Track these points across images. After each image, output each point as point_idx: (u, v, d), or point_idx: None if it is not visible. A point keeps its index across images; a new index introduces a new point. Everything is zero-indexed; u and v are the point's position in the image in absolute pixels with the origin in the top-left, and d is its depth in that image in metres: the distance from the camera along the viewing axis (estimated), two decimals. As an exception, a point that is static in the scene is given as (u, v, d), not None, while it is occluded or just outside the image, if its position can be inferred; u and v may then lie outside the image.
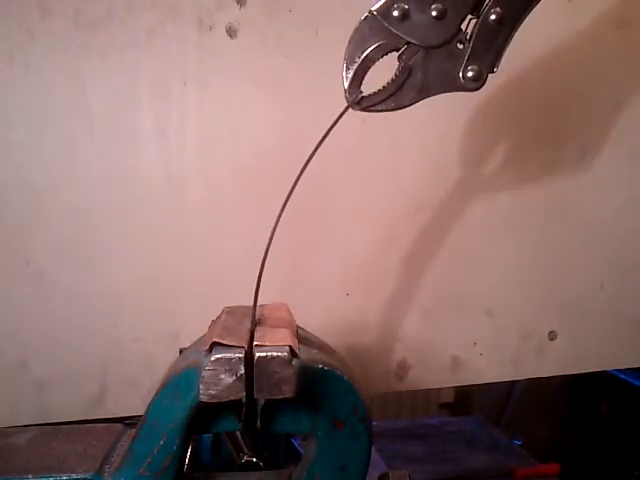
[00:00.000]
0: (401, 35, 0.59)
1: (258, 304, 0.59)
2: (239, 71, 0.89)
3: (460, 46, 0.60)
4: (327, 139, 0.90)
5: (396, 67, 0.60)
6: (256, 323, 0.58)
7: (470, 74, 0.60)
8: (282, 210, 0.58)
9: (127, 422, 0.68)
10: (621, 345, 1.06)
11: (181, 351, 0.67)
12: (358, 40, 0.59)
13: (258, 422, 0.56)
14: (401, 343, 0.98)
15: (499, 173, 0.98)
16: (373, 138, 0.93)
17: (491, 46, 0.60)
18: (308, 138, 0.91)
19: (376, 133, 0.93)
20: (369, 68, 0.59)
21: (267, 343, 0.52)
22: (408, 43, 0.59)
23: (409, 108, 0.81)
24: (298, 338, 0.57)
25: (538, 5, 0.61)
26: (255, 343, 0.52)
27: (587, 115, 0.99)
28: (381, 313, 0.97)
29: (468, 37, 0.60)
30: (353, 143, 0.93)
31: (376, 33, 0.59)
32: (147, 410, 0.56)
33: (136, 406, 0.89)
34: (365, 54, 0.59)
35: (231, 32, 0.88)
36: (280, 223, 0.58)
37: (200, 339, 0.60)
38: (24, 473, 0.57)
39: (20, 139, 0.85)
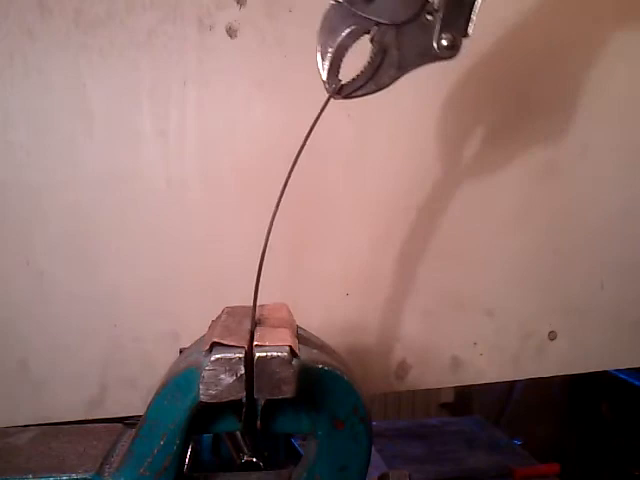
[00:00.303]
0: (369, 17, 0.59)
1: (258, 304, 0.59)
2: (239, 71, 0.89)
3: (430, 17, 0.60)
4: (327, 139, 0.90)
5: (370, 50, 0.60)
6: (256, 323, 0.58)
7: (444, 43, 0.60)
8: (277, 207, 0.58)
9: (127, 422, 0.68)
10: (621, 345, 1.06)
11: (181, 351, 0.67)
12: (328, 30, 0.59)
13: (258, 422, 0.56)
14: (401, 343, 0.98)
15: (499, 174, 0.98)
16: (372, 138, 0.93)
17: (460, 12, 0.60)
18: (310, 138, 0.91)
19: (375, 133, 0.93)
20: (344, 56, 0.59)
21: (267, 343, 0.52)
22: (378, 24, 0.59)
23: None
24: (298, 338, 0.57)
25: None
26: (255, 343, 0.52)
27: (587, 115, 0.99)
28: (381, 313, 0.97)
29: (436, 7, 0.60)
30: (352, 143, 0.93)
31: (344, 20, 0.59)
32: (147, 410, 0.56)
33: (136, 406, 0.89)
34: (337, 42, 0.59)
35: (231, 32, 0.88)
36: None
37: (200, 339, 0.60)
38: (24, 473, 0.57)
39: (20, 139, 0.85)
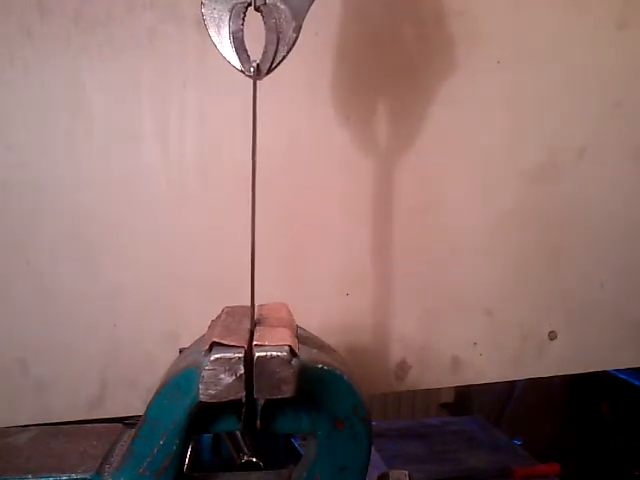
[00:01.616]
0: None
1: (258, 304, 0.59)
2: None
3: None
4: (327, 139, 0.91)
5: (261, 18, 0.60)
6: (256, 323, 0.58)
7: None
8: (253, 198, 0.58)
9: (127, 422, 0.68)
10: (621, 345, 1.06)
11: (181, 351, 0.67)
12: (214, 25, 0.59)
13: (258, 422, 0.56)
14: (401, 343, 0.98)
15: (499, 174, 0.98)
16: (370, 140, 0.93)
17: None
18: (308, 138, 0.92)
19: (374, 133, 0.93)
20: (242, 38, 0.59)
21: (267, 343, 0.52)
22: None
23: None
24: (298, 338, 0.57)
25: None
26: (255, 343, 0.52)
27: (587, 115, 0.99)
28: (381, 313, 0.97)
29: None
30: (350, 145, 0.93)
31: (222, 7, 0.59)
32: (147, 410, 0.56)
33: (136, 406, 0.89)
34: (229, 31, 0.59)
35: (231, 32, 0.87)
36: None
37: (200, 339, 0.60)
38: (24, 473, 0.57)
39: (20, 139, 0.85)
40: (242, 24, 0.59)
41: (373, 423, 0.58)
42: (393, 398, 2.32)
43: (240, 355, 0.50)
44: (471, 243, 0.99)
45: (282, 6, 0.59)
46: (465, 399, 2.37)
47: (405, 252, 0.96)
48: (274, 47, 0.59)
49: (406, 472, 0.64)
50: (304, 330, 0.63)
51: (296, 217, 0.92)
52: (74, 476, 0.57)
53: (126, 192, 0.88)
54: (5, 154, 0.85)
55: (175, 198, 0.89)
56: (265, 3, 0.59)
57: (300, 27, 0.60)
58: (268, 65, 0.60)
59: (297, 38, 0.60)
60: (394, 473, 0.64)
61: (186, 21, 0.86)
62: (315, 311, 0.93)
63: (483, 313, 1.00)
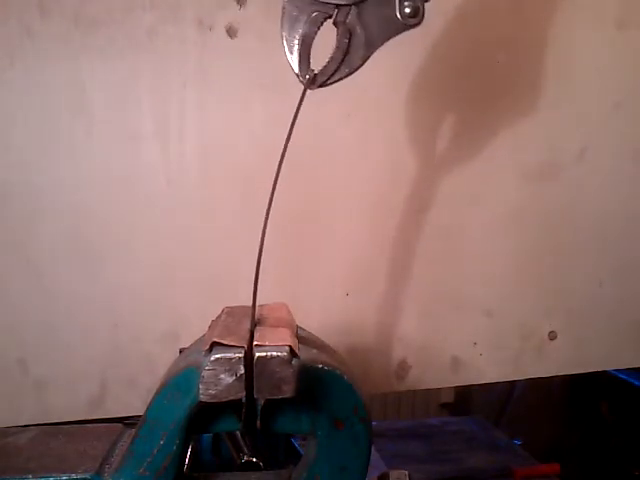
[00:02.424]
0: (327, 1, 0.58)
1: (258, 304, 0.59)
2: (239, 71, 0.89)
3: None
4: (326, 140, 0.91)
5: (336, 33, 0.59)
6: (256, 323, 0.58)
7: (407, 10, 0.59)
8: (270, 203, 0.58)
9: (127, 422, 0.68)
10: (621, 345, 1.06)
11: (181, 351, 0.67)
12: (289, 23, 0.59)
13: (258, 422, 0.56)
14: (401, 343, 0.98)
15: (499, 174, 0.98)
16: (372, 138, 0.93)
17: None
18: (308, 138, 0.92)
19: (375, 133, 0.93)
20: (310, 45, 0.58)
21: (267, 343, 0.52)
22: (337, 6, 0.58)
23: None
24: (298, 338, 0.57)
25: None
26: (255, 343, 0.52)
27: (587, 115, 0.99)
28: (381, 313, 0.97)
29: None
30: (352, 144, 0.93)
31: (304, 9, 0.58)
32: (147, 410, 0.56)
33: (136, 406, 0.89)
34: (301, 33, 0.58)
35: (231, 32, 0.88)
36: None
37: (200, 339, 0.60)
38: (24, 473, 0.57)
39: (20, 139, 0.85)
40: (316, 31, 0.58)
41: (373, 423, 0.58)
42: (393, 398, 2.32)
43: (240, 355, 0.50)
44: (471, 243, 0.99)
45: (359, 31, 0.59)
46: (465, 399, 2.37)
47: (405, 252, 0.96)
48: (336, 65, 0.59)
49: (406, 472, 0.64)
50: (304, 330, 0.63)
51: (296, 217, 0.92)
52: (74, 476, 0.57)
53: (126, 192, 0.88)
54: (5, 154, 0.85)
55: (175, 198, 0.89)
56: (345, 22, 0.59)
57: (368, 57, 0.60)
58: (324, 79, 0.59)
59: (361, 66, 0.60)
60: (394, 473, 0.64)
61: (186, 21, 0.86)
62: (315, 311, 0.93)
63: (483, 313, 1.00)
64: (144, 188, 0.88)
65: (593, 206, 1.02)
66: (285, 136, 0.87)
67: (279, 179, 0.60)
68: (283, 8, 0.59)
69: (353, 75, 0.59)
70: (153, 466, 0.55)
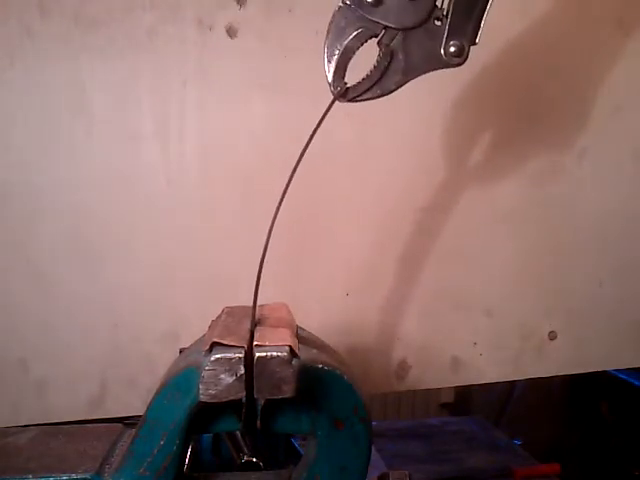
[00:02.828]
0: (377, 21, 0.58)
1: (258, 304, 0.59)
2: (239, 71, 0.89)
3: (438, 23, 0.59)
4: (327, 140, 0.90)
5: (377, 54, 0.59)
6: (256, 323, 0.58)
7: (452, 49, 0.59)
8: (278, 208, 0.58)
9: (127, 422, 0.68)
10: (621, 345, 1.06)
11: (181, 351, 0.67)
12: (335, 32, 0.59)
13: (258, 422, 0.56)
14: (401, 343, 0.98)
15: (499, 174, 0.98)
16: (372, 139, 0.93)
17: (469, 18, 0.59)
18: (308, 138, 0.91)
19: (375, 134, 0.93)
20: (350, 58, 0.59)
21: (267, 343, 0.52)
22: (385, 27, 0.59)
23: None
24: (298, 338, 0.57)
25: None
26: (255, 343, 0.52)
27: (587, 115, 0.99)
28: (381, 313, 0.97)
29: (445, 13, 0.59)
30: (352, 144, 0.93)
31: (352, 22, 0.58)
32: (147, 410, 0.56)
33: (136, 406, 0.89)
34: (344, 45, 0.58)
35: (231, 32, 0.88)
36: (280, 224, 0.58)
37: (200, 339, 0.60)
38: (24, 473, 0.57)
39: (20, 139, 0.85)
40: (358, 47, 0.59)
41: (373, 423, 0.58)
42: (393, 398, 2.32)
43: (240, 355, 0.50)
44: (471, 243, 0.99)
45: (401, 56, 0.59)
46: (465, 399, 2.37)
47: (405, 252, 0.96)
48: (369, 84, 0.59)
49: (406, 472, 0.64)
50: (304, 330, 0.63)
51: (296, 217, 0.92)
52: (74, 476, 0.57)
53: (126, 192, 0.88)
54: (5, 154, 0.85)
55: (175, 198, 0.89)
56: (389, 44, 0.59)
57: (402, 84, 0.60)
58: (354, 95, 0.59)
59: (393, 91, 0.60)
60: (394, 473, 0.64)
61: (186, 21, 0.86)
62: (315, 311, 0.93)
63: (483, 313, 1.00)
64: (144, 188, 0.88)
65: (593, 206, 1.02)
66: (285, 136, 0.87)
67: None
68: (333, 16, 0.59)
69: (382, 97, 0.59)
70: (153, 466, 0.55)
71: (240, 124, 0.90)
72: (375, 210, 0.95)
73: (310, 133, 0.59)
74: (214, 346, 0.52)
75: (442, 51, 0.60)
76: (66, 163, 0.86)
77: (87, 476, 0.57)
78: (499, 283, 1.00)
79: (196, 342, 0.62)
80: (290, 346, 0.51)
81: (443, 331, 0.99)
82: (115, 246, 0.89)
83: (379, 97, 0.60)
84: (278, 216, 0.58)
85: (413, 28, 0.59)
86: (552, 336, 1.03)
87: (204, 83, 0.88)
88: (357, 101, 0.60)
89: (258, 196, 0.90)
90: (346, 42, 0.59)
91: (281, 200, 0.58)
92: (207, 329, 0.60)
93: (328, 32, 0.59)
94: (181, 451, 0.55)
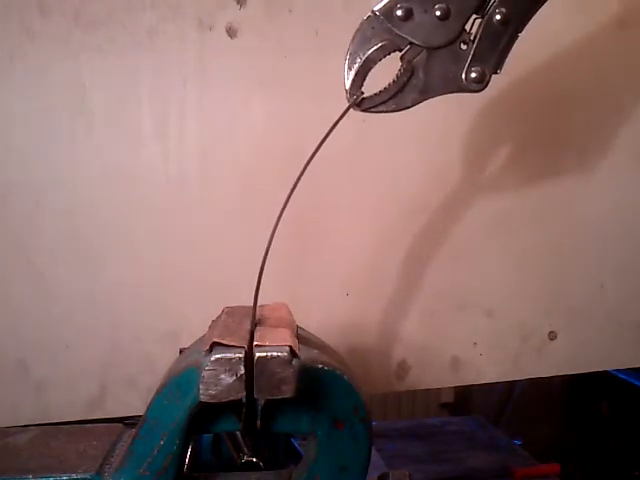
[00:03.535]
0: (404, 35, 0.58)
1: (258, 304, 0.59)
2: (239, 71, 0.89)
3: (464, 47, 0.59)
4: (328, 140, 0.90)
5: (398, 68, 0.60)
6: (256, 323, 0.58)
7: (473, 75, 0.59)
8: (282, 210, 0.58)
9: (127, 422, 0.68)
10: (621, 345, 1.06)
11: (181, 351, 0.67)
12: (360, 40, 0.59)
13: (258, 422, 0.56)
14: (401, 343, 0.98)
15: (499, 174, 0.98)
16: (373, 139, 0.93)
17: (495, 47, 0.60)
18: (308, 138, 0.91)
19: (376, 134, 0.93)
20: (371, 69, 0.59)
21: (267, 343, 0.52)
22: (411, 43, 0.59)
23: (412, 111, 0.80)
24: (298, 338, 0.57)
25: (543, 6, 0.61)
26: (255, 343, 0.52)
27: (588, 116, 0.99)
28: (381, 313, 0.97)
29: (472, 38, 0.59)
30: (353, 144, 0.93)
31: (378, 33, 0.58)
32: (147, 410, 0.56)
33: (136, 406, 0.89)
34: (367, 54, 0.58)
35: (231, 32, 0.88)
36: (281, 224, 0.58)
37: (200, 339, 0.60)
38: (24, 473, 0.57)
39: (20, 139, 0.85)
40: (381, 58, 0.59)
41: (373, 423, 0.58)
42: (393, 398, 2.32)
43: (240, 355, 0.50)
44: (471, 243, 0.99)
45: (421, 74, 0.59)
46: (465, 399, 2.37)
47: (405, 252, 0.96)
48: (386, 97, 0.59)
49: (406, 472, 0.64)
50: (304, 330, 0.63)
51: (297, 217, 0.91)
52: (74, 476, 0.57)
53: (126, 192, 0.88)
54: (5, 154, 0.85)
55: (175, 198, 0.89)
56: (411, 61, 0.59)
57: (419, 102, 0.60)
58: (369, 106, 0.60)
59: (409, 107, 0.60)
60: (394, 473, 0.64)
61: (186, 21, 0.86)
62: (315, 311, 0.93)
63: (483, 313, 1.00)
64: (144, 188, 0.88)
65: (593, 206, 1.02)
66: (286, 136, 0.87)
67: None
68: (360, 24, 0.59)
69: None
70: (153, 466, 0.55)
71: (240, 124, 0.90)
72: (375, 210, 0.95)
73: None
74: (214, 346, 0.52)
75: (463, 75, 0.60)
76: (66, 163, 0.86)
77: (87, 476, 0.57)
78: (499, 283, 1.00)
79: (196, 342, 0.62)
80: (290, 346, 0.51)
81: (443, 331, 0.99)
82: (115, 246, 0.89)
83: (393, 112, 0.60)
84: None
85: (438, 48, 0.59)
86: (552, 336, 1.03)
87: (204, 83, 0.88)
88: (371, 112, 0.60)
89: (258, 196, 0.90)
90: (369, 52, 0.59)
91: (283, 207, 0.58)
92: (207, 329, 0.60)
93: (353, 39, 0.59)
94: (181, 451, 0.55)
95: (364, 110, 0.60)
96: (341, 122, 0.59)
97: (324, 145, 0.80)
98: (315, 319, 0.88)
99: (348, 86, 0.59)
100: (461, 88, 0.60)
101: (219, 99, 0.88)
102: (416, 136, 0.94)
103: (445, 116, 0.94)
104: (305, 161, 0.61)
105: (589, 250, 1.02)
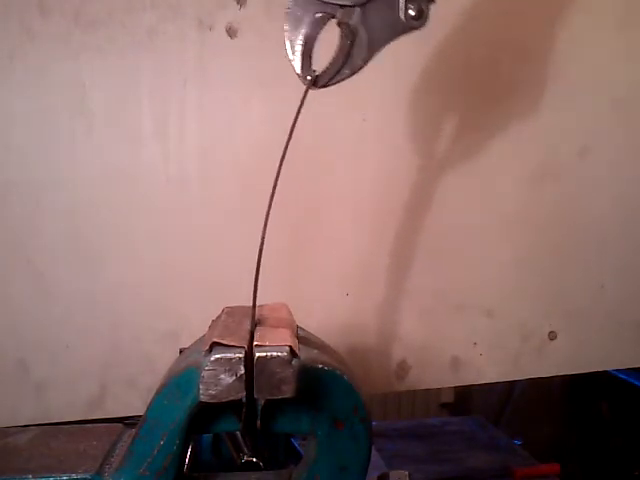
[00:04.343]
0: (332, 2, 0.58)
1: (258, 304, 0.59)
2: (239, 71, 0.89)
3: None
4: (327, 140, 0.91)
5: (339, 35, 0.59)
6: (256, 323, 0.58)
7: (412, 13, 0.59)
8: (270, 202, 0.58)
9: (127, 422, 0.68)
10: (621, 345, 1.06)
11: (181, 351, 0.67)
12: (293, 23, 0.58)
13: (258, 422, 0.56)
14: (401, 343, 0.98)
15: (500, 173, 0.98)
16: (372, 138, 0.93)
17: None
18: (308, 138, 0.92)
19: (375, 134, 0.93)
20: (313, 45, 0.58)
21: (267, 343, 0.52)
22: (341, 6, 0.58)
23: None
24: (298, 338, 0.57)
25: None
26: (255, 343, 0.52)
27: (587, 115, 0.99)
28: (381, 313, 0.97)
29: None
30: (352, 144, 0.93)
31: (308, 9, 0.58)
32: (147, 410, 0.56)
33: (136, 406, 0.89)
34: (304, 34, 0.58)
35: (231, 32, 0.88)
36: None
37: (200, 339, 0.60)
38: (24, 473, 0.57)
39: (20, 139, 0.85)
40: (318, 32, 0.58)
41: (373, 423, 0.58)
42: (393, 398, 2.32)
43: (240, 355, 0.50)
44: (471, 243, 0.99)
45: (362, 32, 0.59)
46: (465, 399, 2.37)
47: (405, 252, 0.96)
48: (337, 67, 0.59)
49: (406, 472, 0.64)
50: (304, 330, 0.63)
51: (296, 217, 0.92)
52: (74, 476, 0.57)
53: (126, 192, 0.88)
54: (5, 154, 0.85)
55: (175, 198, 0.89)
56: (348, 23, 0.58)
57: (370, 59, 0.59)
58: (325, 80, 0.59)
59: (362, 68, 0.59)
60: (394, 473, 0.64)
61: (186, 21, 0.86)
62: (315, 311, 0.93)
63: (483, 313, 1.00)
64: (144, 187, 0.88)
65: (594, 206, 1.02)
66: (285, 136, 0.87)
67: (280, 181, 0.60)
68: (287, 8, 0.58)
69: (353, 76, 0.59)
70: (153, 466, 0.55)
71: (240, 124, 0.90)
72: (375, 210, 0.95)
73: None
74: (214, 346, 0.52)
75: (402, 16, 0.59)
76: (66, 163, 0.86)
77: (87, 476, 0.57)
78: (499, 283, 1.00)
79: (196, 342, 0.62)
80: (290, 346, 0.51)
81: (443, 331, 0.99)
82: (115, 246, 0.89)
83: (350, 77, 0.59)
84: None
85: (369, 1, 0.58)
86: (552, 336, 1.03)
87: (204, 83, 0.88)
88: (330, 86, 0.59)
89: (258, 196, 0.89)
90: (305, 31, 0.58)
91: (272, 195, 0.58)
92: (207, 329, 0.60)
93: (286, 23, 0.59)
94: (181, 451, 0.55)
95: (322, 86, 0.59)
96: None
97: (325, 146, 0.81)
98: (315, 319, 0.88)
99: (299, 70, 0.59)
100: (404, 29, 0.59)
101: (219, 99, 0.88)
102: (416, 136, 0.94)
103: (445, 117, 0.94)
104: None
105: (589, 250, 1.02)
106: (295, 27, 0.59)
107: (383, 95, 0.92)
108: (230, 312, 0.62)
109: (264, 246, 0.57)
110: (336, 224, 0.94)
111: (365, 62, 0.60)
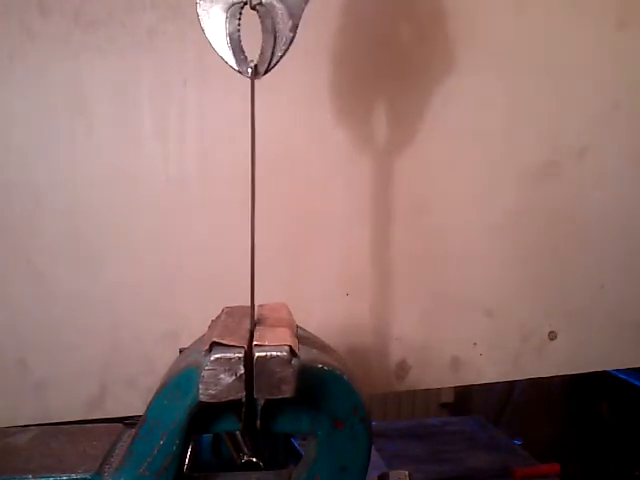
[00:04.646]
0: None
1: (258, 304, 0.59)
2: (239, 70, 0.88)
3: None
4: (327, 140, 0.91)
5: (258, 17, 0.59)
6: (256, 323, 0.58)
7: None
8: (252, 200, 0.58)
9: (127, 422, 0.68)
10: (621, 345, 1.06)
11: (181, 351, 0.67)
12: (210, 24, 0.59)
13: (258, 422, 0.56)
14: (401, 343, 0.98)
15: (500, 173, 0.98)
16: (372, 138, 0.93)
17: None
18: (308, 138, 0.92)
19: (375, 133, 0.93)
20: (239, 38, 0.59)
21: (267, 343, 0.52)
22: None
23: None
24: (298, 338, 0.57)
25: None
26: (255, 343, 0.52)
27: (586, 115, 0.99)
28: (381, 313, 0.97)
29: None
30: (352, 143, 0.93)
31: (218, 6, 0.59)
32: (147, 410, 0.56)
33: (136, 406, 0.89)
34: (225, 31, 0.59)
35: (231, 32, 0.87)
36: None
37: (200, 339, 0.60)
38: (24, 473, 0.57)
39: (20, 139, 0.85)
40: (239, 24, 0.59)
41: (373, 423, 0.58)
42: (393, 398, 2.32)
43: (240, 355, 0.50)
44: (471, 243, 0.99)
45: (278, 5, 0.59)
46: (465, 399, 2.37)
47: (405, 252, 0.96)
48: (271, 47, 0.59)
49: (406, 472, 0.64)
50: (304, 330, 0.63)
51: (295, 217, 0.92)
52: (74, 476, 0.57)
53: (126, 192, 0.88)
54: (5, 154, 0.85)
55: (175, 198, 0.89)
56: (261, 3, 0.58)
57: (297, 26, 0.59)
58: (265, 66, 0.60)
59: (294, 37, 0.60)
60: (394, 473, 0.64)
61: (186, 20, 0.86)
62: (315, 311, 0.93)
63: (483, 313, 1.00)
64: (144, 188, 0.88)
65: (594, 206, 1.02)
66: (285, 136, 0.87)
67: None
68: (198, 15, 0.59)
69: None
70: (153, 466, 0.55)
71: (240, 123, 0.90)
72: (375, 210, 0.95)
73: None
74: (214, 346, 0.52)
75: None
76: (66, 163, 0.86)
77: (87, 476, 0.57)
78: (499, 283, 1.00)
79: (196, 342, 0.62)
80: (290, 346, 0.51)
81: (443, 331, 0.99)
82: (115, 246, 0.89)
83: (286, 51, 0.60)
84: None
85: None
86: (552, 336, 1.03)
87: (204, 83, 0.88)
88: (272, 69, 0.60)
89: (258, 195, 0.89)
90: (225, 27, 0.59)
91: (252, 192, 0.57)
92: (207, 329, 0.60)
93: (203, 29, 0.59)
94: (181, 451, 0.55)
95: (266, 73, 0.60)
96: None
97: (325, 146, 0.81)
98: (315, 319, 0.88)
99: (236, 66, 0.59)
100: None
101: (219, 99, 0.88)
102: (415, 136, 0.94)
103: (444, 117, 0.94)
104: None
105: (588, 250, 1.02)
106: (214, 28, 0.59)
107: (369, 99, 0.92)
108: (230, 312, 0.62)
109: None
110: (336, 225, 0.94)
111: (293, 30, 0.60)
